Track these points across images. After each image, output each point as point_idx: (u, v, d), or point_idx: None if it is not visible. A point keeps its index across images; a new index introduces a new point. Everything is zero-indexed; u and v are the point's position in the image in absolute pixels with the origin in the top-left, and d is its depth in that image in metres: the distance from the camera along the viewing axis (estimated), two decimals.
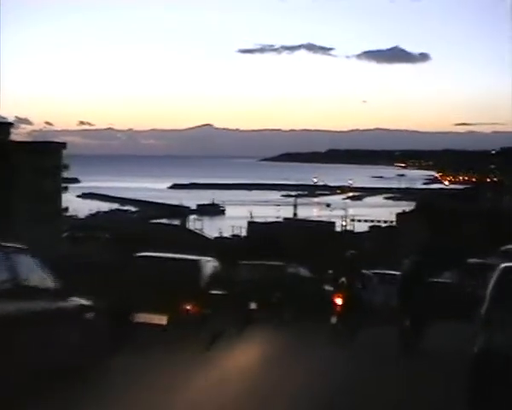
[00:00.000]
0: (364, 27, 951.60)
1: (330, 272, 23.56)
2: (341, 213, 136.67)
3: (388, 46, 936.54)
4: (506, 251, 58.03)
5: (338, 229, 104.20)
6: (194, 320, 15.69)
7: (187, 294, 15.94)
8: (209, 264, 18.01)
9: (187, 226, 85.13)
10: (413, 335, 16.68)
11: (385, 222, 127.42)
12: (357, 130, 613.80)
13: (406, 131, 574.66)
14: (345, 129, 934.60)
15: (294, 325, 23.38)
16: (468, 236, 68.20)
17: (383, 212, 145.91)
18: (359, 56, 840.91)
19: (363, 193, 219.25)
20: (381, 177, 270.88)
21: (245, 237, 60.26)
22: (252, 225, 61.45)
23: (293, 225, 73.85)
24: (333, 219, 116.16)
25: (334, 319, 18.62)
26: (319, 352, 16.32)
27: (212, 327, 16.31)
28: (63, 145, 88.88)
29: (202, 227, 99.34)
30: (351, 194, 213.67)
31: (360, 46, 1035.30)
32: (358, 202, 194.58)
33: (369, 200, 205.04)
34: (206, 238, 51.39)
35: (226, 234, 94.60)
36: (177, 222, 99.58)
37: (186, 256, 17.89)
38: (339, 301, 18.73)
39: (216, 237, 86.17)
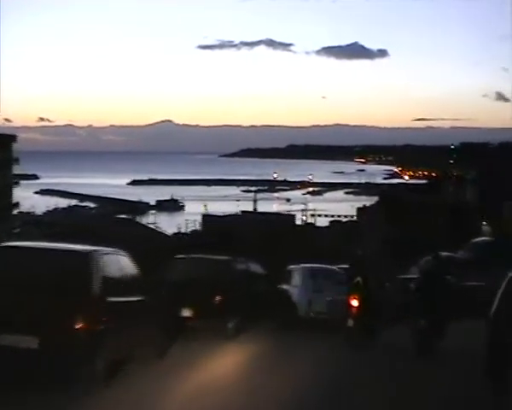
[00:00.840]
0: (324, 23, 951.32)
1: (358, 279, 19.21)
2: (301, 207, 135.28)
3: (347, 42, 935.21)
4: (475, 244, 55.48)
5: (298, 222, 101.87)
6: (75, 344, 10.70)
7: (66, 304, 10.93)
8: (113, 258, 12.79)
9: (139, 221, 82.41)
10: (431, 335, 16.33)
11: (345, 217, 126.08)
12: (317, 125, 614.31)
13: (366, 126, 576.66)
14: (305, 124, 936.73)
15: (241, 341, 19.34)
16: (433, 229, 65.97)
17: (344, 206, 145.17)
18: (319, 52, 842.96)
19: (323, 188, 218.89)
20: (341, 172, 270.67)
21: (198, 231, 57.82)
22: (206, 218, 58.29)
23: (251, 218, 70.80)
24: (293, 213, 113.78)
25: (350, 322, 18.03)
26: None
27: (107, 354, 11.46)
28: (13, 138, 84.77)
29: (157, 222, 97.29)
30: (311, 189, 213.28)
31: (319, 42, 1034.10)
32: (319, 197, 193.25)
33: (329, 195, 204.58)
34: (161, 233, 48.18)
35: (185, 230, 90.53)
36: (131, 217, 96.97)
37: (71, 247, 12.73)
38: (355, 302, 18.14)
39: (175, 233, 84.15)
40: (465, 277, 25.34)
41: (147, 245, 21.92)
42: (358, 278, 18.46)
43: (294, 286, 24.89)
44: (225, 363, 15.92)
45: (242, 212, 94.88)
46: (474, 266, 41.69)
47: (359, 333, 17.83)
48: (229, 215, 78.45)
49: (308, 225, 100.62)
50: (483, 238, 63.14)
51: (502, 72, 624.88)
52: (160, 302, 14.89)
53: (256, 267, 25.62)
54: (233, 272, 21.74)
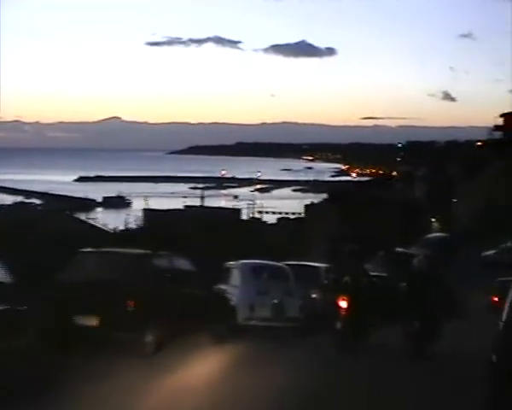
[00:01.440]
0: (272, 21, 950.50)
1: (347, 279, 17.99)
2: (259, 207, 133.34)
3: (295, 40, 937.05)
4: (427, 241, 53.52)
5: (244, 217, 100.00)
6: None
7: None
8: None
9: (78, 217, 79.38)
10: (424, 337, 15.92)
11: (293, 214, 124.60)
12: (265, 123, 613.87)
13: (314, 124, 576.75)
14: (253, 122, 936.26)
15: (161, 359, 15.25)
16: (384, 225, 64.39)
17: (291, 203, 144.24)
18: (267, 50, 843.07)
19: (271, 185, 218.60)
20: (289, 169, 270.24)
21: (138, 226, 55.39)
22: (148, 213, 55.69)
23: (195, 213, 68.26)
24: (238, 207, 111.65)
25: (338, 324, 17.15)
26: None
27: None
28: None
29: (97, 218, 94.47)
30: (259, 186, 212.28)
31: (268, 40, 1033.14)
32: (267, 194, 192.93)
33: (277, 192, 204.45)
34: (101, 229, 45.17)
35: (125, 225, 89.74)
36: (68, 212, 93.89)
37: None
38: (343, 304, 17.19)
39: (122, 230, 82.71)
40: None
41: (81, 240, 19.28)
42: (347, 278, 17.52)
43: (234, 287, 21.40)
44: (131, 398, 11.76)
45: (186, 206, 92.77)
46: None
47: (349, 336, 17.03)
48: (172, 210, 76.05)
49: (254, 220, 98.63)
50: (437, 234, 61.93)
51: (449, 71, 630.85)
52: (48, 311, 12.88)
53: (184, 264, 20.10)
54: (151, 269, 16.80)
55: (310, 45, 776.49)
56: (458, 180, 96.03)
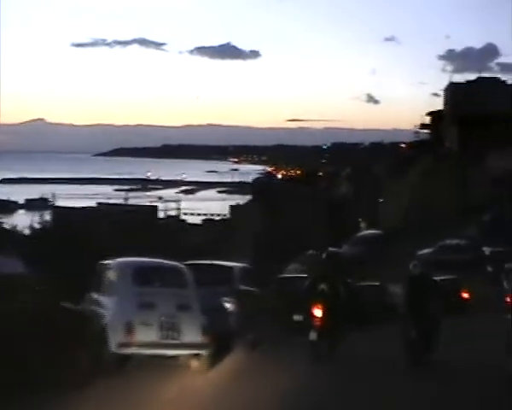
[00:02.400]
0: (197, 23, 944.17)
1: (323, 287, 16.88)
2: (173, 205, 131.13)
3: (220, 42, 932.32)
4: (358, 239, 50.59)
5: (162, 215, 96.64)
6: None
7: None
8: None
9: None
10: (423, 346, 15.51)
11: (218, 215, 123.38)
12: (190, 125, 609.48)
13: (239, 126, 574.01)
14: (178, 124, 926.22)
15: None
16: (310, 225, 62.06)
17: (217, 205, 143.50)
18: (192, 52, 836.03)
19: (196, 187, 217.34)
20: (214, 171, 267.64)
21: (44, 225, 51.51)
22: (57, 211, 51.72)
23: (107, 210, 64.52)
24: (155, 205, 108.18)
25: (313, 335, 16.27)
26: None
27: None
28: None
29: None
30: (184, 188, 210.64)
31: (192, 42, 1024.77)
32: (192, 196, 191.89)
33: (202, 193, 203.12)
34: (7, 230, 41.07)
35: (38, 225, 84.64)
36: None
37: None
38: (318, 313, 16.41)
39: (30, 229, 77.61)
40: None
41: None
42: (323, 286, 16.54)
43: (105, 296, 15.77)
44: None
45: (98, 203, 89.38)
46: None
47: (324, 347, 16.18)
48: (83, 208, 72.31)
49: (173, 218, 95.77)
50: (368, 232, 59.21)
51: (373, 74, 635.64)
52: None
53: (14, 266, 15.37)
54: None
55: (234, 48, 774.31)
56: (384, 180, 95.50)
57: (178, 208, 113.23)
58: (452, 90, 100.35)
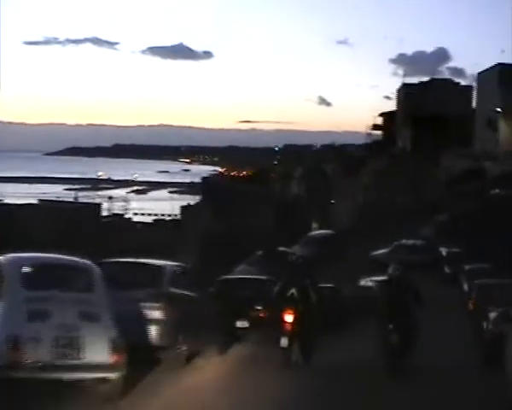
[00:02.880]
0: (149, 23, 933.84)
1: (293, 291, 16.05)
2: (120, 204, 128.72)
3: (173, 43, 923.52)
4: (310, 239, 47.93)
5: (106, 213, 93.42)
6: None
7: None
8: None
9: None
10: (403, 351, 15.20)
11: (169, 215, 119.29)
12: (142, 125, 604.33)
13: (191, 127, 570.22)
14: (130, 124, 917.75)
15: None
16: (260, 225, 59.71)
17: (168, 205, 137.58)
18: (144, 52, 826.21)
19: (148, 187, 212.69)
20: (166, 171, 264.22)
21: None
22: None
23: (48, 207, 61.20)
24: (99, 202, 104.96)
25: (284, 341, 15.44)
26: None
27: None
28: None
29: None
30: (135, 188, 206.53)
31: (145, 42, 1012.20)
32: (143, 196, 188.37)
33: (154, 194, 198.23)
34: None
35: None
36: None
37: None
38: (289, 318, 15.66)
39: None
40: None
41: None
42: (293, 290, 15.85)
43: None
44: None
45: (39, 200, 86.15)
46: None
47: (296, 353, 15.50)
48: (23, 204, 68.98)
49: (117, 216, 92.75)
50: (319, 232, 56.69)
51: (325, 77, 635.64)
52: None
53: None
54: None
55: (187, 48, 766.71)
56: (335, 181, 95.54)
57: (126, 208, 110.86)
58: (405, 90, 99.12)
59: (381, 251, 46.79)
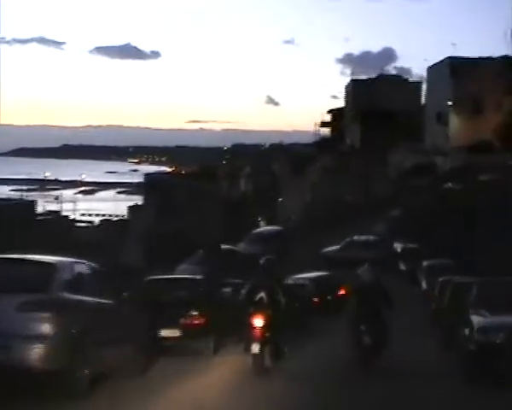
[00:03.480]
0: (96, 23, 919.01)
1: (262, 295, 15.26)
2: (71, 206, 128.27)
3: (121, 43, 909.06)
4: (256, 236, 44.59)
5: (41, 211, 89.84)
6: None
7: None
8: None
9: None
10: (376, 351, 15.47)
11: (116, 216, 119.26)
12: (90, 126, 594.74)
13: (139, 127, 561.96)
14: (78, 124, 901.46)
15: None
16: (206, 223, 57.03)
17: (115, 205, 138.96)
18: (92, 52, 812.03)
19: (95, 187, 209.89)
20: (114, 172, 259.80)
21: None
22: None
23: None
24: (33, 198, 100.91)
25: (255, 348, 14.36)
26: None
27: None
28: None
29: None
30: (83, 188, 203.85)
31: (92, 42, 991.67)
32: (90, 196, 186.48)
33: (101, 194, 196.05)
34: None
35: None
36: None
37: None
38: (258, 322, 14.62)
39: None
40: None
41: None
42: (262, 294, 14.95)
43: None
44: None
45: None
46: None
47: (268, 358, 14.56)
48: None
49: (54, 214, 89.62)
50: (266, 228, 53.32)
51: (273, 76, 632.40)
52: None
53: None
54: None
55: (135, 48, 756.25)
56: (284, 179, 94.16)
57: (74, 209, 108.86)
58: (353, 86, 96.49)
59: (331, 248, 43.63)
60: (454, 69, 70.15)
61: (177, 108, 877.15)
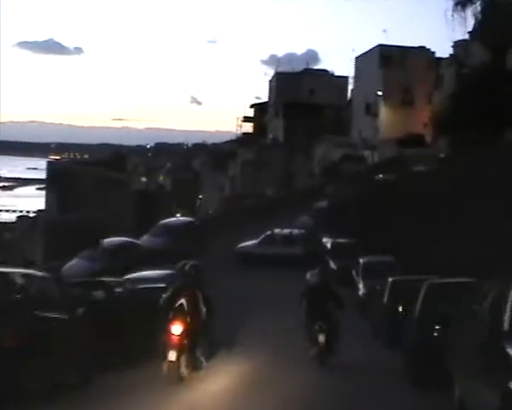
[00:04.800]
0: (19, 18, 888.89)
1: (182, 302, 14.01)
2: None
3: (44, 38, 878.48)
4: (162, 227, 38.58)
5: None
6: None
7: None
8: None
9: None
10: (329, 348, 15.86)
11: (34, 212, 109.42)
12: (12, 121, 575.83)
13: (62, 124, 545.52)
14: (0, 120, 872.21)
15: None
16: (115, 212, 51.05)
17: (35, 202, 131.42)
18: (14, 46, 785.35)
19: (14, 183, 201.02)
20: (35, 168, 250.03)
21: None
22: None
23: None
24: None
25: (172, 355, 13.49)
26: None
27: None
28: None
29: None
30: (1, 184, 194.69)
31: (15, 36, 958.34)
32: (9, 192, 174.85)
33: (20, 190, 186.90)
34: None
35: None
36: None
37: None
38: (177, 329, 13.71)
39: None
40: None
41: None
42: (182, 300, 13.93)
43: None
44: None
45: None
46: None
47: (185, 366, 13.69)
48: None
49: None
50: (173, 219, 45.64)
51: (195, 76, 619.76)
52: None
53: None
54: None
55: (58, 44, 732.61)
56: (205, 175, 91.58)
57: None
58: (278, 80, 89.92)
59: (248, 243, 36.33)
60: (384, 57, 63.81)
61: (102, 106, 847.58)
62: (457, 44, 54.22)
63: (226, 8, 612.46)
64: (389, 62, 63.45)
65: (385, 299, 18.72)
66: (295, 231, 36.61)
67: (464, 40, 50.95)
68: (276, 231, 36.54)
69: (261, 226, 38.40)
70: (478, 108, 41.89)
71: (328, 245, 33.30)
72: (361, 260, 26.17)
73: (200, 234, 38.49)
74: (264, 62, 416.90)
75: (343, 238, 32.86)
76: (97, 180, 61.05)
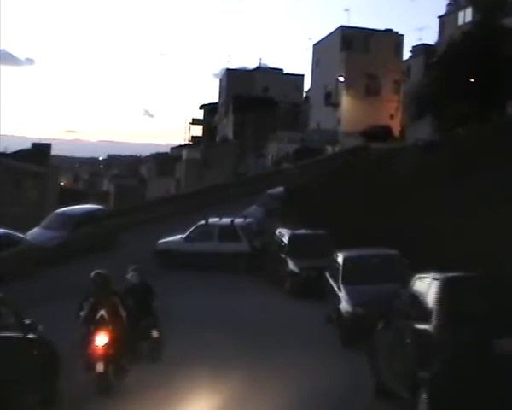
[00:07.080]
0: None
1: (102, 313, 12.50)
2: None
3: None
4: (58, 216, 26.69)
5: None
6: None
7: None
8: None
9: None
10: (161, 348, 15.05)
11: None
12: None
13: (14, 136, 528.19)
14: None
15: None
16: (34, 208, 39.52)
17: None
18: None
19: None
20: None
21: None
22: None
23: None
24: None
25: (99, 367, 12.15)
26: None
27: None
28: None
29: None
30: None
31: None
32: None
33: None
34: None
35: None
36: None
37: None
38: (101, 340, 12.34)
39: None
40: None
41: None
42: (102, 311, 12.43)
43: None
44: None
45: None
46: None
47: (112, 377, 12.37)
48: None
49: None
50: (72, 208, 35.36)
51: (147, 88, 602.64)
52: None
53: None
54: None
55: (9, 54, 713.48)
56: (151, 180, 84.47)
57: None
58: (229, 77, 79.72)
59: (173, 237, 25.19)
60: (346, 40, 53.32)
61: (54, 117, 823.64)
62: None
63: (178, 20, 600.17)
64: (352, 46, 53.15)
65: None
66: (238, 221, 25.50)
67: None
68: (212, 220, 25.42)
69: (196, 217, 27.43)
70: (468, 75, 32.19)
71: (285, 239, 22.23)
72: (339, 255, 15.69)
73: (111, 225, 27.60)
74: (216, 76, 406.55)
75: (307, 229, 22.04)
76: (11, 172, 49.80)
